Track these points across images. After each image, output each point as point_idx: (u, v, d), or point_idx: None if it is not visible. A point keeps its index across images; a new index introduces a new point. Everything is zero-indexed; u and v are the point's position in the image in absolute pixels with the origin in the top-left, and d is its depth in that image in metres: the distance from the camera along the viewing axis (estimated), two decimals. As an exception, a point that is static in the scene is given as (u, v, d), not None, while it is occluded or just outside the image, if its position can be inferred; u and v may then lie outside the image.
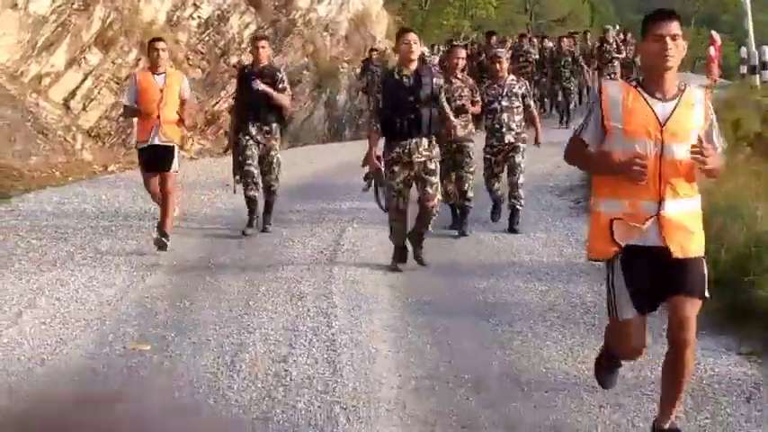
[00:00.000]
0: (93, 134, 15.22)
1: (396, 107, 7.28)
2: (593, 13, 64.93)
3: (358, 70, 21.14)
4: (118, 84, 15.38)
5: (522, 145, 9.34)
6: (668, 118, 4.03)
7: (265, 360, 5.19)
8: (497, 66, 9.64)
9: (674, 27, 4.10)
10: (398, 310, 6.35)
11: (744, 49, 23.07)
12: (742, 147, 9.81)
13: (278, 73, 9.20)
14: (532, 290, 6.68)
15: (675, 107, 4.06)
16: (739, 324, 5.34)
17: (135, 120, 9.06)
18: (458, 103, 9.10)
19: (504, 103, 9.34)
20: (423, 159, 7.32)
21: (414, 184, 7.54)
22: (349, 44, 21.66)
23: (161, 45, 8.56)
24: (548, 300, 6.39)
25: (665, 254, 4.00)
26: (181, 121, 8.53)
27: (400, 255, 7.55)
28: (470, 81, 9.91)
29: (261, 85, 8.78)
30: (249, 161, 8.96)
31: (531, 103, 9.99)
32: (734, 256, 5.81)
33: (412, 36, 7.56)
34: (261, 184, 9.05)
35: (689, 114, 4.08)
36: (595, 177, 4.39)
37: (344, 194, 10.50)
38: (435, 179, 7.45)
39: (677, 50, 4.06)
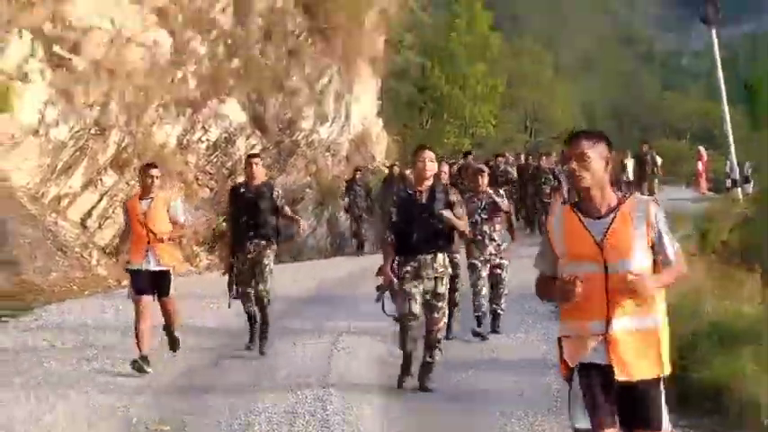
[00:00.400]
0: (107, 251, 16.23)
1: (410, 223, 7.39)
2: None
3: (343, 189, 21.36)
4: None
5: (505, 262, 10.05)
6: (604, 235, 4.01)
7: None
8: (479, 180, 10.14)
9: (583, 146, 4.11)
10: (388, 396, 7.34)
11: (728, 164, 24.34)
12: (707, 255, 10.76)
13: (275, 190, 9.31)
14: (506, 380, 7.61)
15: (611, 222, 4.03)
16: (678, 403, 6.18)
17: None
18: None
19: (483, 216, 9.90)
20: (433, 279, 7.35)
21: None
22: (350, 164, 22.86)
23: (155, 171, 8.55)
24: (519, 387, 7.32)
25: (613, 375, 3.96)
26: (171, 241, 8.62)
27: (407, 364, 7.61)
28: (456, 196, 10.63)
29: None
30: (245, 286, 9.09)
31: (506, 203, 10.43)
32: (679, 345, 6.67)
33: (428, 154, 7.56)
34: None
35: (627, 227, 4.03)
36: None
37: (344, 303, 11.47)
38: (442, 304, 7.43)
39: (587, 170, 4.07)
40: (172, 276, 8.48)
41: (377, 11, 24.75)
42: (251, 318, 9.18)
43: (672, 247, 4.11)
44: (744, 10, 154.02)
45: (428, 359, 7.52)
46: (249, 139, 19.88)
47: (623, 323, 3.97)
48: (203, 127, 18.91)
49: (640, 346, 3.99)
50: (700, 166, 25.26)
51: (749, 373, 6.02)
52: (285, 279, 11.31)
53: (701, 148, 26.50)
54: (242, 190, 9.25)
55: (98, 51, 16.44)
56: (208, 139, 19.03)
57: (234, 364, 8.64)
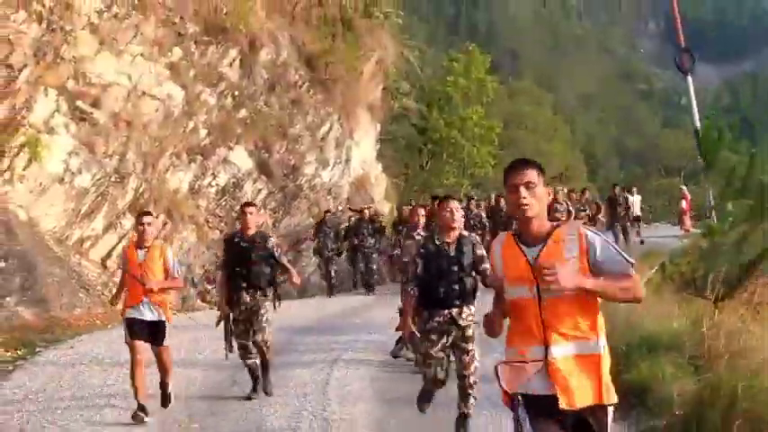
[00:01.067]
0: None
1: (437, 275, 7.20)
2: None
3: (311, 232, 21.62)
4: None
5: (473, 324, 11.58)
6: (536, 259, 4.07)
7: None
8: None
9: (529, 175, 4.15)
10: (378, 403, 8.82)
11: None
12: (665, 284, 12.19)
13: (270, 239, 9.32)
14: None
15: (543, 248, 4.09)
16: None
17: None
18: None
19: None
20: (465, 324, 7.20)
21: (450, 353, 7.41)
22: (351, 205, 24.20)
23: (147, 219, 8.65)
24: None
25: (557, 403, 3.97)
26: (163, 292, 8.62)
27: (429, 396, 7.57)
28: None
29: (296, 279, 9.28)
30: (242, 338, 9.17)
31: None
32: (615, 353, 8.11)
33: (454, 204, 7.39)
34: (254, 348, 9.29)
35: (559, 252, 4.07)
36: None
37: (342, 331, 12.94)
38: (472, 347, 7.24)
39: (534, 199, 4.12)
40: (167, 326, 8.56)
41: (374, 62, 26.37)
42: (252, 371, 9.25)
43: (618, 265, 4.10)
44: (744, 48, 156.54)
45: (464, 410, 7.32)
46: (256, 184, 21.41)
47: (562, 349, 4.01)
48: (213, 173, 20.41)
49: (581, 372, 4.01)
50: (684, 204, 26.70)
51: (667, 375, 7.45)
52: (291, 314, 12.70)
53: (684, 188, 27.99)
54: (236, 239, 9.25)
55: (116, 105, 17.98)
56: (217, 184, 20.53)
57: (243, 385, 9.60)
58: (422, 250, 7.41)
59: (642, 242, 24.13)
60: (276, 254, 9.16)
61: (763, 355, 7.47)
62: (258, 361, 9.24)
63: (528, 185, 4.11)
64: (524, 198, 4.10)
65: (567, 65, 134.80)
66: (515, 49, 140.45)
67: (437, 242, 7.33)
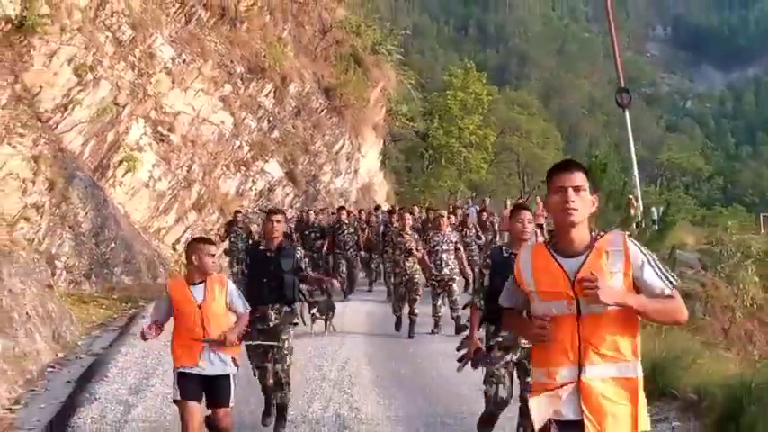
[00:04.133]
0: (220, 239, 24.24)
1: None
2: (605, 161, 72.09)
3: (221, 231, 21.61)
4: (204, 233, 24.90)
5: (456, 278, 14.15)
6: (578, 272, 3.82)
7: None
8: (441, 222, 14.21)
9: (578, 178, 3.92)
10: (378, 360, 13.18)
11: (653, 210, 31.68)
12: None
13: (297, 250, 8.45)
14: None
15: (585, 259, 3.86)
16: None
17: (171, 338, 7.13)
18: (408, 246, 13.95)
19: (444, 247, 13.84)
20: (528, 348, 6.45)
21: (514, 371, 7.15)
22: (358, 206, 29.75)
23: (210, 249, 7.08)
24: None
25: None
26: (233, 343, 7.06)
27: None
28: (416, 236, 14.72)
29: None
30: (260, 359, 8.36)
31: (461, 246, 14.40)
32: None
33: (526, 214, 7.20)
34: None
35: (601, 265, 3.84)
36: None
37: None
38: None
39: (581, 203, 3.90)
40: (233, 382, 7.05)
41: (378, 89, 33.37)
42: (267, 391, 8.43)
43: (663, 281, 3.91)
44: (750, 54, 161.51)
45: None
46: (285, 189, 28.38)
47: (598, 369, 3.80)
48: (253, 180, 27.36)
49: (617, 397, 3.81)
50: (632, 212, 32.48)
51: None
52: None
53: (631, 197, 33.53)
54: (261, 247, 8.40)
55: (184, 129, 24.85)
56: (256, 189, 27.47)
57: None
58: (488, 260, 7.18)
59: None
60: (303, 266, 8.36)
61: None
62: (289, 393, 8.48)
63: (577, 189, 3.89)
64: (573, 202, 3.86)
65: (573, 68, 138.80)
66: (523, 51, 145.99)
67: (505, 253, 7.04)
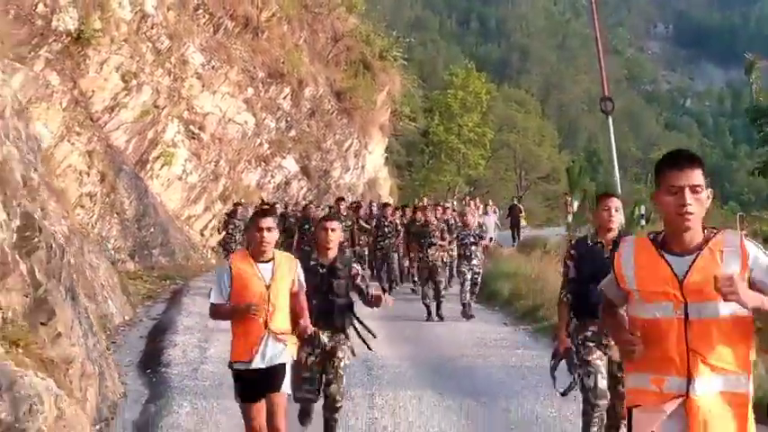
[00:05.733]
0: (214, 249, 27.94)
1: (593, 279, 5.77)
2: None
3: (220, 223, 22.16)
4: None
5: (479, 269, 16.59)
6: (687, 272, 3.49)
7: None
8: (467, 219, 17.04)
9: (696, 176, 3.53)
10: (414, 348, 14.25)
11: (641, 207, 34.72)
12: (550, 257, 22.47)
13: (353, 265, 7.51)
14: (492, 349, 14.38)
15: (696, 258, 3.52)
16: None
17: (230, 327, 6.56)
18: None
19: (471, 239, 16.30)
20: None
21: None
22: (364, 199, 32.31)
23: (268, 222, 6.41)
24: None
25: None
26: (295, 325, 6.55)
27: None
28: (443, 226, 17.13)
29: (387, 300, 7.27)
30: (307, 386, 7.40)
31: (487, 238, 18.40)
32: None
33: (614, 202, 6.86)
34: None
35: (716, 264, 3.49)
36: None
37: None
38: None
39: (698, 206, 3.53)
40: (289, 369, 6.47)
41: (384, 92, 36.85)
42: (305, 406, 7.59)
43: None
44: (751, 50, 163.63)
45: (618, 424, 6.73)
46: (300, 183, 31.90)
47: (708, 383, 3.46)
48: (271, 174, 30.86)
49: (726, 414, 3.48)
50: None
51: None
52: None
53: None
54: (312, 263, 7.40)
55: (213, 128, 28.26)
56: (274, 182, 30.98)
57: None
58: (572, 252, 6.99)
59: None
60: (359, 282, 7.46)
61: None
62: (320, 409, 7.53)
63: (694, 189, 3.51)
64: (690, 205, 3.49)
65: (574, 64, 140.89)
66: (525, 46, 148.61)
67: (590, 242, 6.87)
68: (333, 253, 7.43)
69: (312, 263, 7.41)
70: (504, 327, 15.44)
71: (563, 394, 6.97)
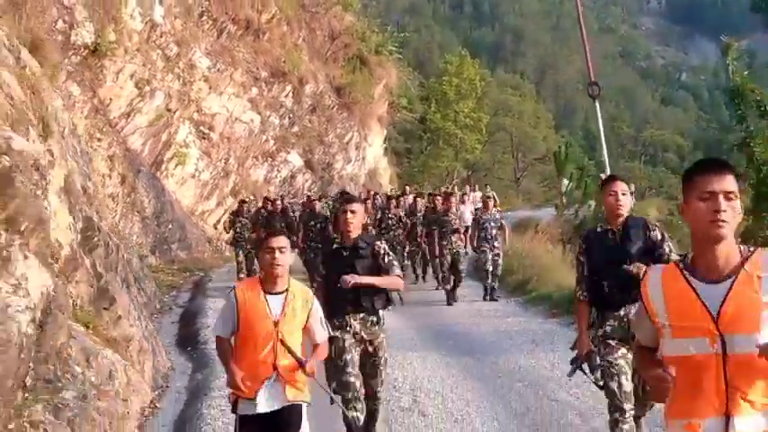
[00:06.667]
0: (228, 242, 29.86)
1: (604, 269, 6.30)
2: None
3: (227, 222, 22.17)
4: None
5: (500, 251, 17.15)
6: (722, 303, 3.16)
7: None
8: (489, 204, 17.46)
9: (730, 182, 3.24)
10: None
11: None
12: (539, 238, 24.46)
13: (377, 243, 7.13)
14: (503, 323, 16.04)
15: (732, 286, 3.17)
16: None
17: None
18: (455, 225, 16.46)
19: (492, 224, 16.87)
20: None
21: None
22: (365, 188, 34.34)
23: (280, 242, 5.74)
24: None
25: None
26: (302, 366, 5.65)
27: None
28: (465, 215, 18.83)
29: (357, 279, 6.76)
30: (349, 368, 6.92)
31: (504, 222, 17.48)
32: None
33: (620, 186, 6.45)
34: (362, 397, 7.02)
35: (753, 292, 3.16)
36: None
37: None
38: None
39: (732, 214, 3.23)
40: (305, 413, 5.78)
41: (382, 86, 38.77)
42: (351, 427, 6.87)
43: None
44: (744, 25, 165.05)
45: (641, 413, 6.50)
46: (304, 176, 33.86)
47: (751, 421, 3.16)
48: (277, 169, 32.83)
49: None
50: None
51: None
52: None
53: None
54: (335, 246, 7.27)
55: (221, 127, 30.17)
56: (280, 176, 32.95)
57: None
58: (583, 245, 6.60)
59: None
60: (386, 261, 7.07)
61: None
62: (362, 415, 7.01)
63: (728, 195, 3.23)
64: (724, 212, 3.20)
65: (568, 44, 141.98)
66: (518, 28, 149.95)
67: (599, 229, 6.55)
68: (353, 235, 7.13)
69: (335, 247, 7.28)
70: (496, 300, 17.08)
71: (569, 375, 6.64)
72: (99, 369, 9.21)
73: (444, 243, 16.77)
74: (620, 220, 6.41)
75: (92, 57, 24.35)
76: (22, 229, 6.69)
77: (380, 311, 7.19)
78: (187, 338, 14.60)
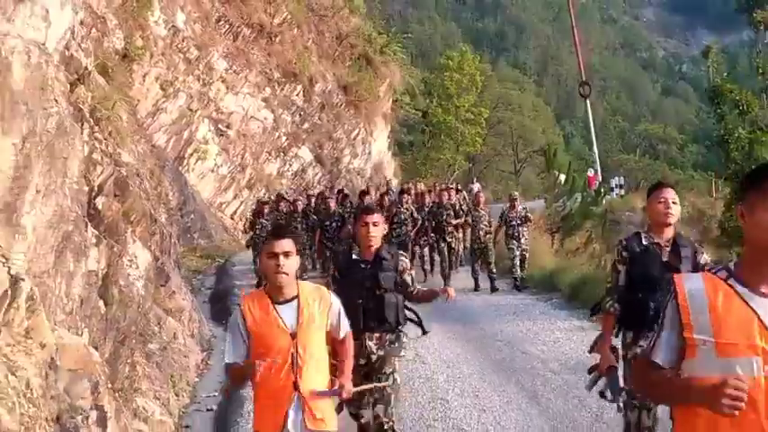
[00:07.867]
0: (247, 245, 32.38)
1: (646, 285, 5.84)
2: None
3: (247, 223, 23.08)
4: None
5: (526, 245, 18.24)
6: None
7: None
8: (516, 204, 18.22)
9: None
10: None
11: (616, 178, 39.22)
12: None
13: (401, 259, 6.85)
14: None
15: None
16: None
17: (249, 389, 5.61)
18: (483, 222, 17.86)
19: (518, 221, 17.98)
20: None
21: None
22: (371, 182, 37.70)
23: (283, 245, 5.10)
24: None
25: None
26: (332, 380, 5.23)
27: None
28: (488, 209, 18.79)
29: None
30: (358, 408, 6.65)
31: (528, 215, 18.34)
32: None
33: (669, 193, 6.01)
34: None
35: None
36: (677, 416, 3.15)
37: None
38: None
39: None
40: None
41: (386, 84, 41.35)
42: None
43: None
44: (744, 17, 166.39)
45: None
46: (314, 170, 36.42)
47: None
48: (289, 163, 35.37)
49: None
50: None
51: None
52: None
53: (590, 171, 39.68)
54: (354, 259, 6.78)
55: (237, 125, 32.70)
56: (292, 170, 35.50)
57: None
58: (624, 253, 6.10)
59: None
60: (410, 279, 6.84)
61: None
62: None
63: None
64: None
65: (569, 35, 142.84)
66: (520, 19, 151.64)
67: (645, 241, 6.03)
68: (374, 248, 6.75)
69: (354, 257, 6.82)
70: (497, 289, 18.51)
71: (587, 389, 6.29)
72: (167, 330, 11.87)
73: (472, 237, 18.47)
74: (668, 230, 6.05)
75: (122, 62, 26.81)
76: (132, 219, 9.27)
77: (400, 330, 6.86)
78: (221, 313, 17.04)
